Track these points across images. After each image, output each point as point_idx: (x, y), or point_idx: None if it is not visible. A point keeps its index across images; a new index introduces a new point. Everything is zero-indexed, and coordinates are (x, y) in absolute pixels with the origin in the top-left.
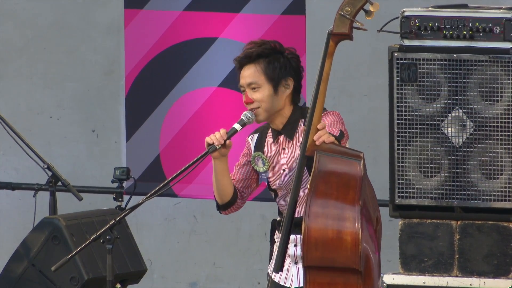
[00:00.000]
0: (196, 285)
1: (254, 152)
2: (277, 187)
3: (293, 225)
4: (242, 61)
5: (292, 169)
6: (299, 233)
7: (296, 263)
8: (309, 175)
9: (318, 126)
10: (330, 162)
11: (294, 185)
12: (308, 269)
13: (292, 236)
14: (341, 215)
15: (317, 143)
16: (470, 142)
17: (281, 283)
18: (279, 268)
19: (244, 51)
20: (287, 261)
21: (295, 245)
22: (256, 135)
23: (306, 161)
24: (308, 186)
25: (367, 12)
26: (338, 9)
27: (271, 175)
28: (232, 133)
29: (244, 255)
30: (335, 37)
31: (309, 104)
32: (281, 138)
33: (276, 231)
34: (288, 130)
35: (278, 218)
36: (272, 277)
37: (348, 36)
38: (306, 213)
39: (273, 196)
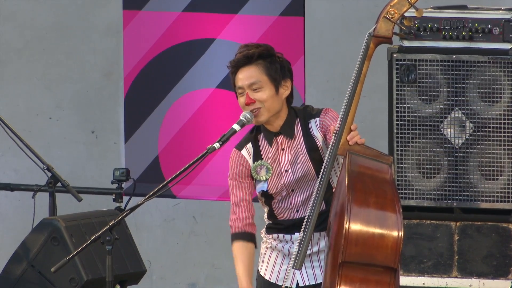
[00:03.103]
0: (196, 286)
1: (254, 162)
2: (277, 190)
3: (297, 226)
4: (240, 63)
5: (299, 169)
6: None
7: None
8: (316, 175)
9: (352, 127)
10: (362, 163)
11: (322, 184)
12: (343, 264)
13: (292, 235)
14: (383, 214)
15: (350, 143)
16: (470, 143)
17: (279, 283)
18: (301, 265)
19: (242, 53)
20: (285, 261)
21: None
22: (249, 145)
23: (333, 159)
24: (345, 185)
25: (407, 18)
26: (382, 11)
27: (270, 180)
28: (231, 133)
29: None
30: (376, 40)
31: (307, 102)
32: (280, 138)
33: (264, 232)
34: (287, 130)
35: (269, 222)
36: (268, 278)
37: (389, 40)
38: (347, 211)
39: (263, 201)
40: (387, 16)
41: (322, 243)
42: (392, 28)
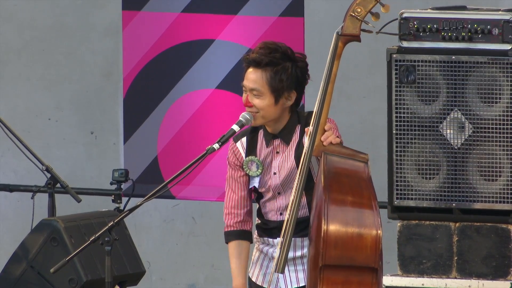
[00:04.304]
0: (195, 287)
1: (246, 156)
2: (265, 189)
3: (279, 228)
4: (251, 64)
5: (285, 174)
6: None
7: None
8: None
9: (325, 127)
10: (338, 163)
11: (299, 188)
12: (323, 268)
13: (274, 240)
14: (360, 214)
15: (324, 143)
16: (469, 144)
17: (265, 285)
18: (283, 269)
19: (255, 55)
20: (270, 264)
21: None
22: (244, 139)
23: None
24: (321, 186)
25: (374, 14)
26: (348, 9)
27: (261, 177)
28: (230, 134)
29: None
30: (344, 38)
31: (308, 106)
32: (276, 141)
33: (255, 234)
34: (285, 135)
35: (258, 221)
36: (254, 280)
37: (358, 38)
38: (324, 213)
39: (255, 197)
40: (353, 14)
41: (306, 248)
42: (359, 25)
